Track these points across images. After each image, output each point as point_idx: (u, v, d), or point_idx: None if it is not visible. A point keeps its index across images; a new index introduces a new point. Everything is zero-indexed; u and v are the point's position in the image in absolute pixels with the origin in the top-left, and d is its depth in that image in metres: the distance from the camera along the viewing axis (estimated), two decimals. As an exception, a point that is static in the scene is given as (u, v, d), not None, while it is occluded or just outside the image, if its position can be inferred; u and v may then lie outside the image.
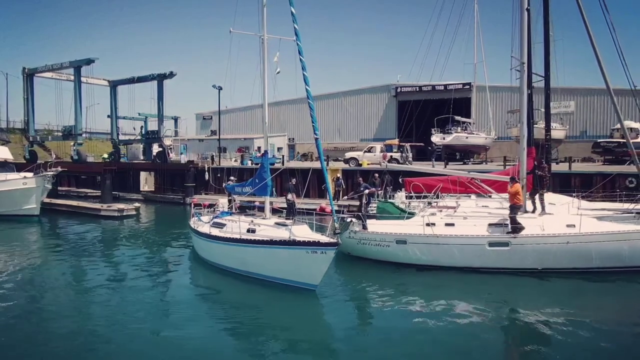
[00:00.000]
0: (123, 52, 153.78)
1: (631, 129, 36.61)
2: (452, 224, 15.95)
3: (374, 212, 18.56)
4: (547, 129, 23.36)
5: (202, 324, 11.51)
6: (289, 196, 20.58)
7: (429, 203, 18.72)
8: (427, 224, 15.76)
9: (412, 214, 17.05)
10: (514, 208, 15.42)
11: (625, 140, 34.53)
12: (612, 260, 14.63)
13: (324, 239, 13.38)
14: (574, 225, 14.80)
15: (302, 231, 14.12)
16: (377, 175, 23.05)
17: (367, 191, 18.95)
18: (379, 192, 21.37)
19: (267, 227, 15.07)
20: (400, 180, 22.13)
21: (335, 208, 15.29)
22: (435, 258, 15.59)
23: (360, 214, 17.44)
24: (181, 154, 47.52)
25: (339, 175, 30.25)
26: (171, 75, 37.94)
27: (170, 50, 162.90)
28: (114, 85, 41.98)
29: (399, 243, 16.08)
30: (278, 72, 18.11)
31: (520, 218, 15.67)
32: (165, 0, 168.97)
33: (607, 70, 17.62)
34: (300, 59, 14.59)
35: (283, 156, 42.09)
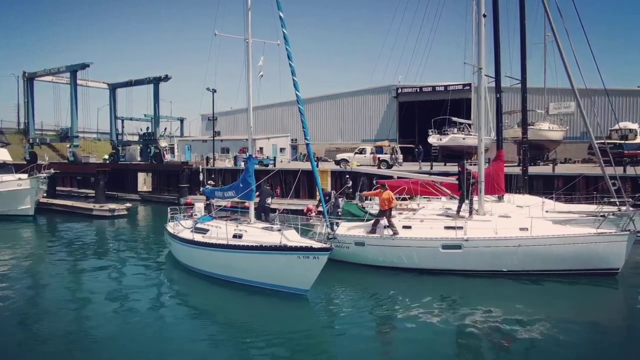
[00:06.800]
0: (124, 53, 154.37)
1: (630, 130, 36.31)
2: (409, 227, 16.13)
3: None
4: (524, 131, 23.54)
5: (190, 331, 11.33)
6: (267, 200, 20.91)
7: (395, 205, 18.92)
8: (385, 226, 15.99)
9: (372, 216, 17.25)
10: (383, 213, 16.02)
11: (623, 142, 34.47)
12: (564, 263, 14.61)
13: (316, 244, 13.20)
14: (527, 229, 14.86)
15: (291, 236, 13.90)
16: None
17: (333, 199, 19.49)
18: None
19: (255, 232, 14.72)
20: (374, 182, 22.50)
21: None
22: (392, 260, 15.78)
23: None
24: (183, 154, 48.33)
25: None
26: (166, 78, 38.76)
27: (175, 50, 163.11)
28: (113, 88, 43.04)
29: (357, 245, 16.29)
30: (261, 76, 18.44)
31: (475, 221, 15.80)
32: (167, 0, 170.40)
33: (572, 72, 17.68)
34: (290, 64, 14.63)
35: (275, 157, 42.41)
